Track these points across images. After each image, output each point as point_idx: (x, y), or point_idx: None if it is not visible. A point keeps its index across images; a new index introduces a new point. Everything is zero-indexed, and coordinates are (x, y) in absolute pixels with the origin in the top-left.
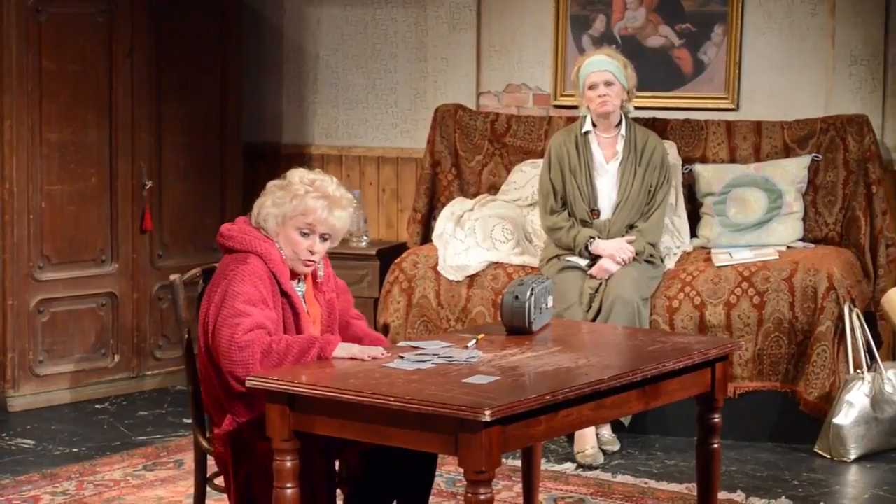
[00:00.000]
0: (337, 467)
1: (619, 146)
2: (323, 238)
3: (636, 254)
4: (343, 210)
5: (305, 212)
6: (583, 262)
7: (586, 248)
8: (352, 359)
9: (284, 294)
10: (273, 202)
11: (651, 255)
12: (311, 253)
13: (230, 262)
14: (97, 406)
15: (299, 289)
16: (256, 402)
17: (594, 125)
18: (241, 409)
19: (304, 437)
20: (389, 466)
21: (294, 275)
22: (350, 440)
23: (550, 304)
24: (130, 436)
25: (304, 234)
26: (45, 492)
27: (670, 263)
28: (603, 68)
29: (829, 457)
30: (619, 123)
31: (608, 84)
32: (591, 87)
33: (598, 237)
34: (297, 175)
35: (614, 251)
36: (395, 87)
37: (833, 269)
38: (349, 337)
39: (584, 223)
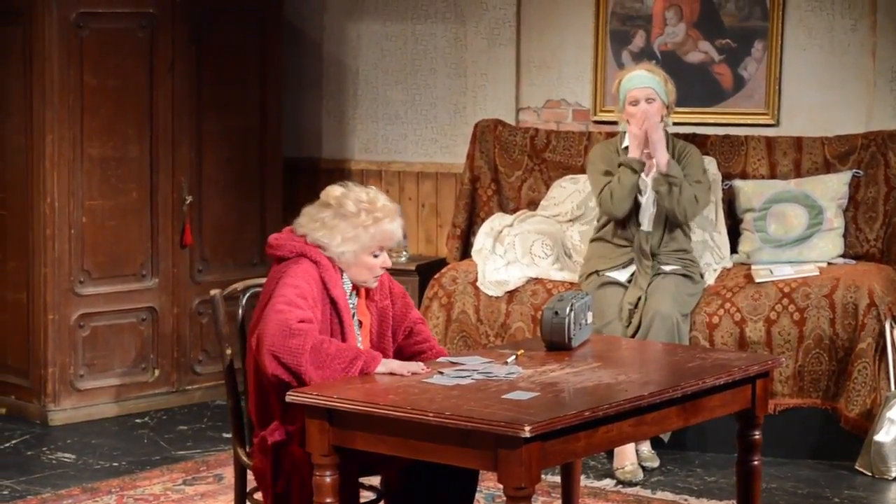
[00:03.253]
0: (378, 483)
1: None
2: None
3: (668, 170)
4: (400, 217)
5: (382, 238)
6: (623, 278)
7: (629, 161)
8: (391, 374)
9: (331, 300)
10: (343, 238)
11: (690, 270)
12: (384, 268)
13: (281, 266)
14: (137, 420)
15: (350, 301)
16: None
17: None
18: (293, 417)
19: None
20: (430, 482)
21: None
22: (390, 456)
23: (590, 319)
24: (170, 450)
25: (376, 256)
26: None
27: (710, 279)
28: (644, 85)
29: (870, 474)
30: (658, 130)
31: (649, 100)
32: (633, 104)
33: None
34: (351, 201)
35: (637, 131)
36: (435, 103)
37: (874, 285)
38: (412, 345)
39: (627, 238)
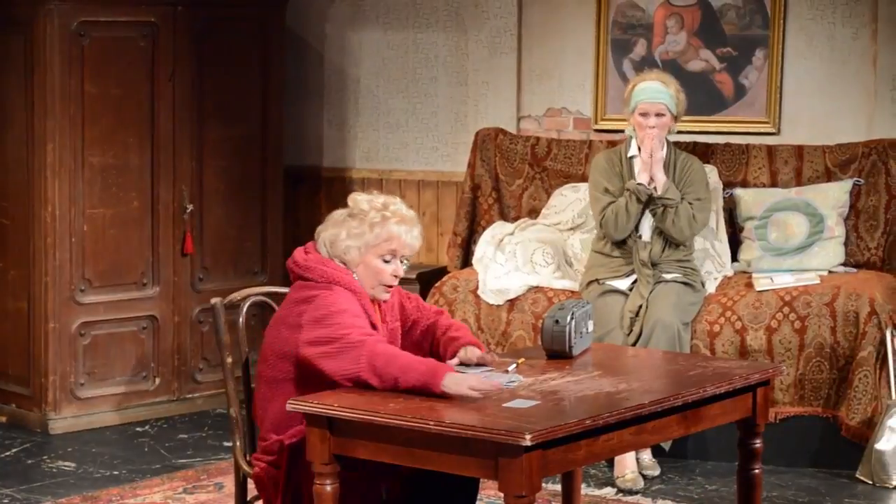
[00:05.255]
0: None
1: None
2: (401, 260)
3: (665, 194)
4: (418, 227)
5: (389, 238)
6: (624, 286)
7: (637, 189)
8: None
9: (372, 326)
10: (348, 234)
11: (690, 278)
12: (395, 277)
13: (310, 289)
14: (138, 429)
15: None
16: None
17: (639, 148)
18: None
19: (347, 460)
20: (431, 491)
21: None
22: (392, 465)
23: (591, 328)
24: (171, 458)
25: (386, 262)
26: None
27: (711, 288)
28: (658, 100)
29: (870, 482)
30: (662, 148)
31: (659, 115)
32: (643, 115)
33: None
34: (365, 201)
35: (645, 159)
36: (436, 111)
37: (875, 293)
38: (439, 340)
39: (626, 248)
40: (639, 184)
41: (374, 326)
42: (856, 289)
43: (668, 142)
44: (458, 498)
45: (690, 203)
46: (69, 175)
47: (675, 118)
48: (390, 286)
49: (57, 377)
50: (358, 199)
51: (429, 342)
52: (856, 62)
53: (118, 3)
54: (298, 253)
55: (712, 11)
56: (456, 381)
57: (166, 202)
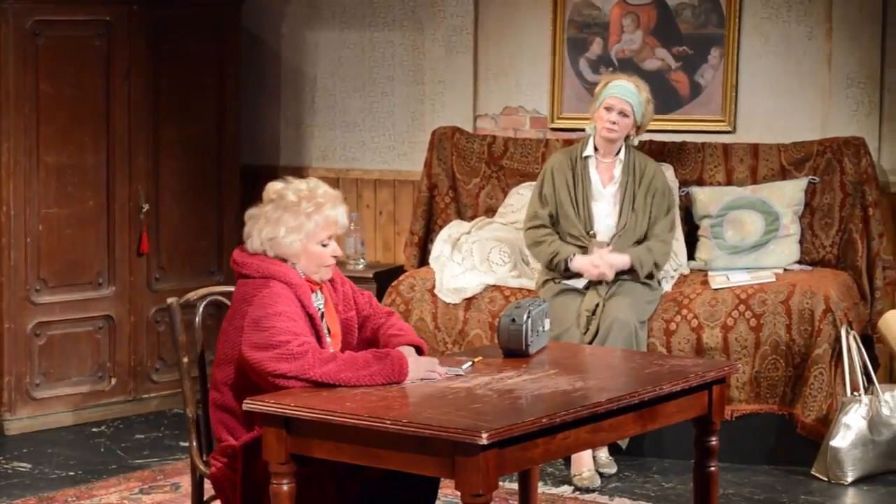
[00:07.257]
0: None
1: (617, 171)
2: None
3: (638, 270)
4: (343, 203)
5: (327, 224)
6: (580, 284)
7: (565, 265)
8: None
9: (309, 316)
10: (287, 229)
11: (650, 276)
12: (334, 257)
13: (250, 287)
14: (94, 429)
15: (318, 303)
16: None
17: (596, 149)
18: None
19: (310, 460)
20: (391, 491)
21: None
22: (354, 466)
23: (547, 326)
24: (127, 459)
25: (324, 245)
26: None
27: (667, 286)
28: (626, 98)
29: (826, 479)
30: (619, 151)
31: (622, 114)
32: (607, 109)
33: (577, 255)
34: (291, 192)
35: (591, 266)
36: (393, 110)
37: (830, 291)
38: (383, 337)
39: (581, 246)
40: (578, 251)
41: (310, 317)
42: (811, 287)
43: (625, 143)
44: (418, 498)
45: (652, 229)
46: (24, 175)
47: (638, 128)
48: (330, 265)
49: (12, 378)
50: (281, 191)
51: (376, 343)
52: (810, 61)
53: (73, 2)
54: (237, 251)
55: (668, 10)
56: (415, 367)
57: (122, 202)
